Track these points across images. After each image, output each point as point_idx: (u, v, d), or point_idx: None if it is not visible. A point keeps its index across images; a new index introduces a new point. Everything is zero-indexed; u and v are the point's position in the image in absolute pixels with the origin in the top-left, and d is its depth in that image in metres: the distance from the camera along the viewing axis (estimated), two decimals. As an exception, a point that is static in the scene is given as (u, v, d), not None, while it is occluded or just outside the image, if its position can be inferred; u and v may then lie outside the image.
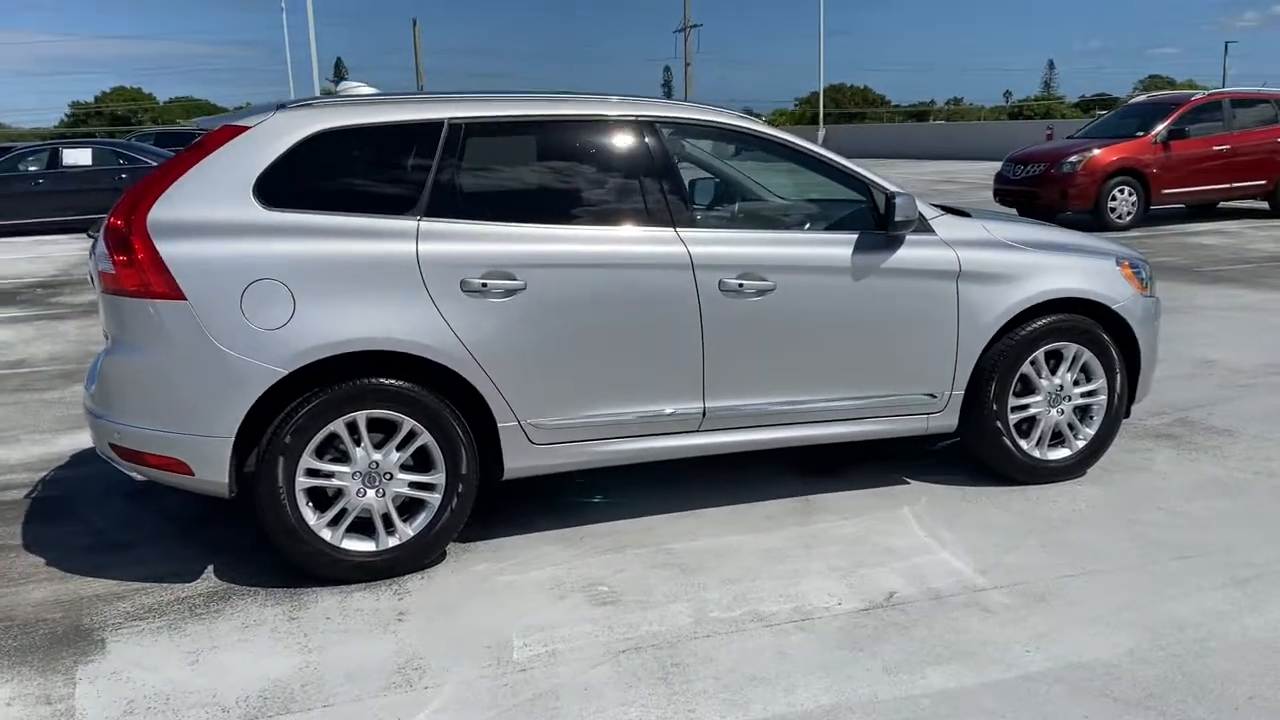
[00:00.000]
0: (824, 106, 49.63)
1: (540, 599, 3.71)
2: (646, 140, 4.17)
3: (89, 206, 17.05)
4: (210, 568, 4.05)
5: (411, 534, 3.90)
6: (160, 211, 3.65)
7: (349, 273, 3.73)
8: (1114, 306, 4.67)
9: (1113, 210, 14.22)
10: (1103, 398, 4.74)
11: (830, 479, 4.83)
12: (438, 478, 3.90)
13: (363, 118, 3.91)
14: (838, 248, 4.31)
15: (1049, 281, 4.56)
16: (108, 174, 18.58)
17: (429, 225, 3.84)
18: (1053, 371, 4.67)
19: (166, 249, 3.60)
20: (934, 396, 4.51)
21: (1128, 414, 4.92)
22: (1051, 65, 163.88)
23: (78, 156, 18.92)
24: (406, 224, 3.82)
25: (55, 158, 18.94)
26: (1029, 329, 4.54)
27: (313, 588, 3.83)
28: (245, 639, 3.48)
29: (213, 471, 3.68)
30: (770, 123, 5.72)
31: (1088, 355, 4.68)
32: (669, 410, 4.16)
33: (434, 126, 3.95)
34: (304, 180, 3.80)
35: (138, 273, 3.61)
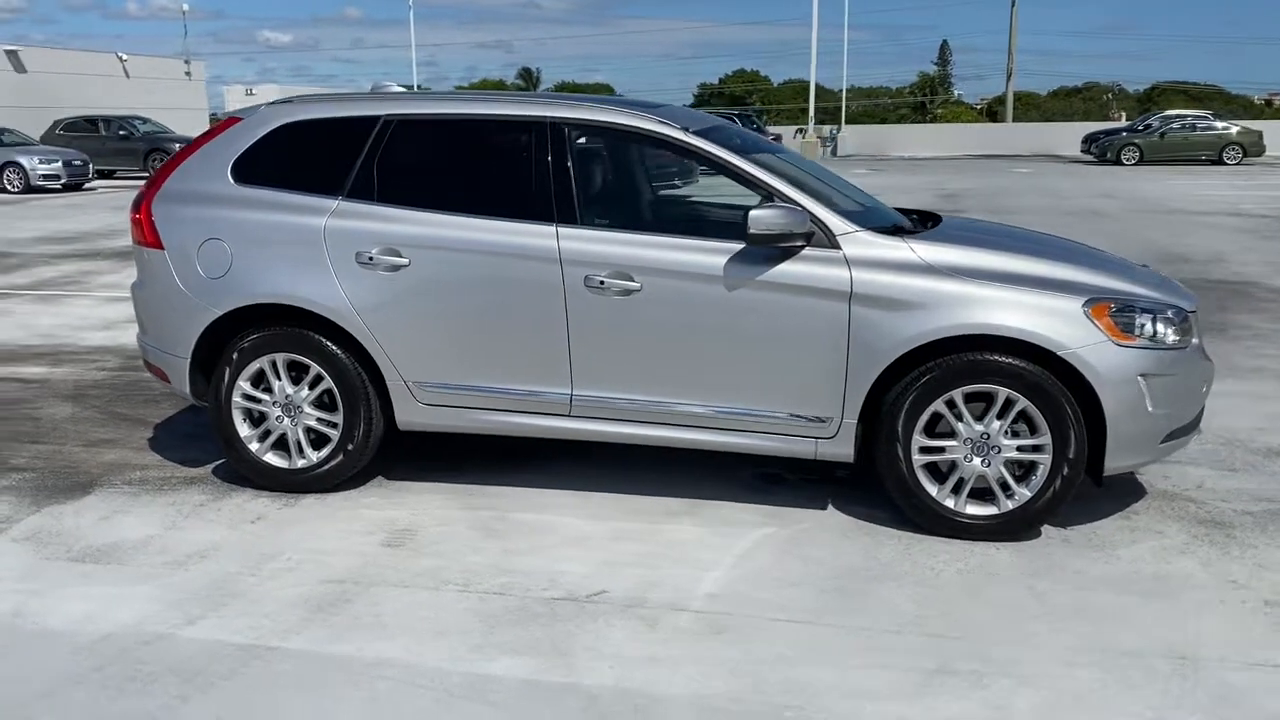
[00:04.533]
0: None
1: (357, 530, 4.34)
2: (546, 140, 4.48)
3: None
4: (219, 463, 5.20)
5: (315, 460, 4.72)
6: (170, 183, 4.82)
7: (273, 239, 4.61)
8: (1059, 353, 4.03)
9: None
10: (1048, 455, 4.12)
11: (760, 490, 4.74)
12: (338, 418, 4.67)
13: (322, 113, 4.75)
14: (712, 256, 4.27)
15: (967, 315, 4.07)
16: None
17: (345, 205, 4.58)
18: (979, 417, 4.17)
19: (158, 210, 4.76)
20: (823, 421, 4.28)
21: (1100, 483, 4.21)
22: None
23: None
24: (328, 203, 4.59)
25: None
26: (941, 364, 4.12)
27: (247, 489, 4.81)
28: (152, 511, 4.57)
29: (180, 382, 4.82)
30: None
31: (1025, 404, 4.09)
32: (540, 391, 4.49)
33: (371, 121, 4.66)
34: (269, 162, 4.73)
35: (140, 228, 4.81)
